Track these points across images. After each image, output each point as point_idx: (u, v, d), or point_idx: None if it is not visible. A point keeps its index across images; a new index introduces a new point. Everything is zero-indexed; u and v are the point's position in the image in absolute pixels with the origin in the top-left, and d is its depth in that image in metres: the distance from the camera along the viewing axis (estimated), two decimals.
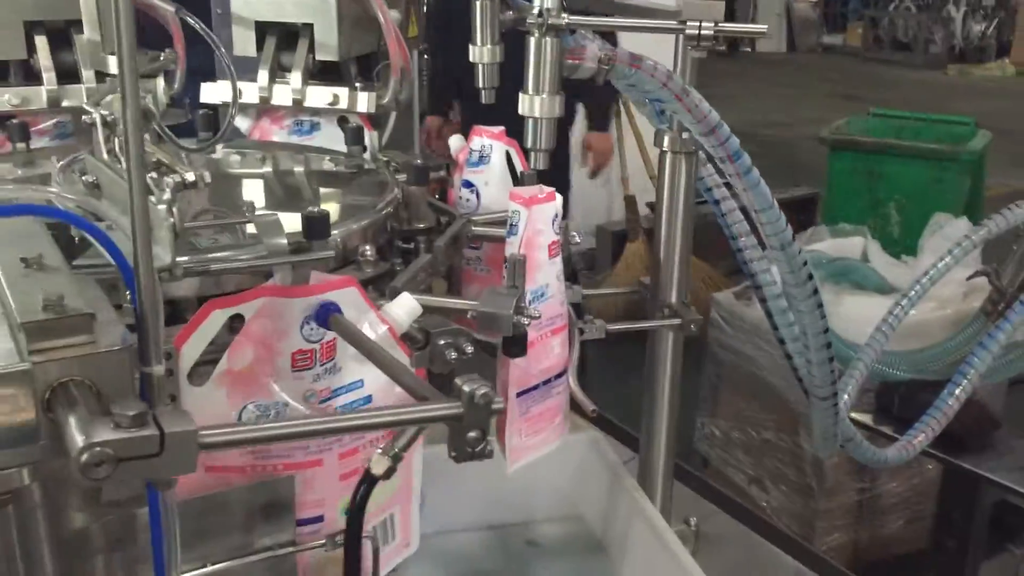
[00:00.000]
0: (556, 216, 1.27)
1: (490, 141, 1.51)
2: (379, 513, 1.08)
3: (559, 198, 1.28)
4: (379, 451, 0.92)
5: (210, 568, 0.96)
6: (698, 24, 1.32)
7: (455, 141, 1.62)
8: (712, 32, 1.32)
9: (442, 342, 1.10)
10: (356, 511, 0.93)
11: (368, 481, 0.92)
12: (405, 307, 1.05)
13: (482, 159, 1.53)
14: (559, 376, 1.36)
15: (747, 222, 1.68)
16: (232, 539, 0.98)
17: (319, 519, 1.02)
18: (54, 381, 0.67)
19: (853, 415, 2.30)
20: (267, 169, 1.67)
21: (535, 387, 1.33)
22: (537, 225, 1.23)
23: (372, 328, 1.00)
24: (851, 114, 5.13)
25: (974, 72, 12.88)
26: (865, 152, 4.39)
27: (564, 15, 1.20)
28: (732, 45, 12.99)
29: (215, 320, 0.90)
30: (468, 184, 1.55)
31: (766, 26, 1.35)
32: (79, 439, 0.62)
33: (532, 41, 1.21)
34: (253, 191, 1.61)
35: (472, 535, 1.75)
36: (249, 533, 0.98)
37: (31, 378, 0.67)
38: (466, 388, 0.81)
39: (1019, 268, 2.41)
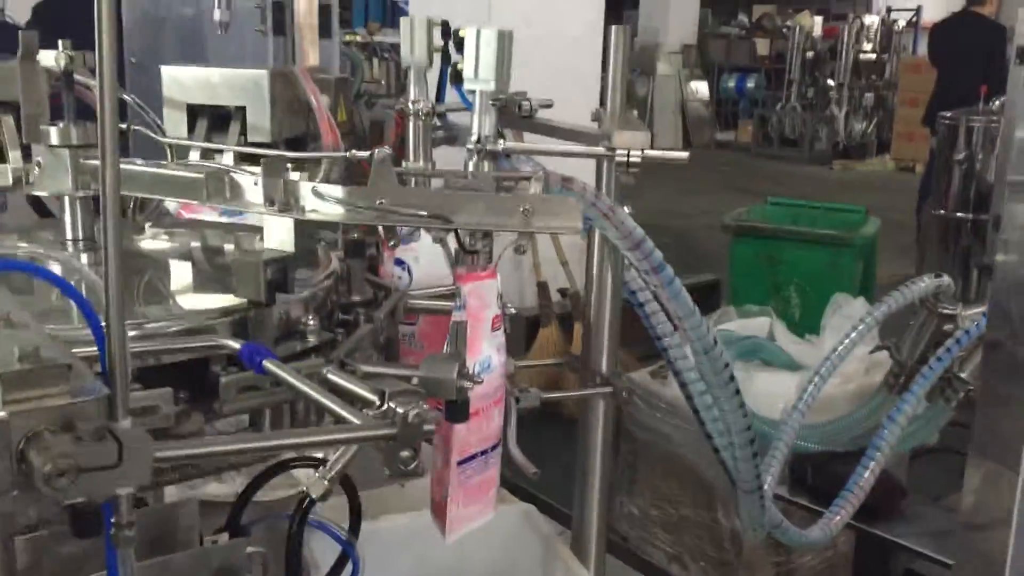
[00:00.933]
0: (498, 293, 1.32)
1: None
2: None
3: (498, 276, 1.33)
4: (317, 474, 0.93)
5: None
6: (626, 152, 1.41)
7: None
8: (639, 159, 1.42)
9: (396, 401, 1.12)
10: (295, 530, 0.94)
11: (307, 503, 0.93)
12: None
13: (410, 235, 1.58)
14: (495, 447, 1.38)
15: (670, 322, 1.76)
16: None
17: None
18: (30, 431, 0.68)
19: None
20: (195, 244, 1.68)
21: (473, 456, 1.35)
22: (480, 300, 1.28)
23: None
24: (748, 204, 5.38)
25: (857, 167, 13.62)
26: (765, 238, 4.60)
27: (501, 141, 1.29)
28: None
29: None
30: (399, 262, 1.59)
31: (687, 153, 1.47)
32: (40, 454, 0.64)
33: (471, 164, 1.29)
34: (181, 271, 1.61)
35: None
36: None
37: (7, 428, 0.67)
38: (400, 409, 0.84)
39: (916, 341, 2.54)
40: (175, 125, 1.78)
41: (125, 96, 1.53)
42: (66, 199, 1.48)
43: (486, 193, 1.24)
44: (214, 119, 1.80)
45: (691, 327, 1.45)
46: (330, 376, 1.14)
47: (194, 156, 1.78)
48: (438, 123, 1.65)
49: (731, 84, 16.74)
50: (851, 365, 3.05)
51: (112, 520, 0.79)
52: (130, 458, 0.70)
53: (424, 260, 1.54)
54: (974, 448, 1.30)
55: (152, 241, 1.64)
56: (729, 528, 3.00)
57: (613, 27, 1.51)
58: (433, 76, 1.80)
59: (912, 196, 7.52)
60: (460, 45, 1.42)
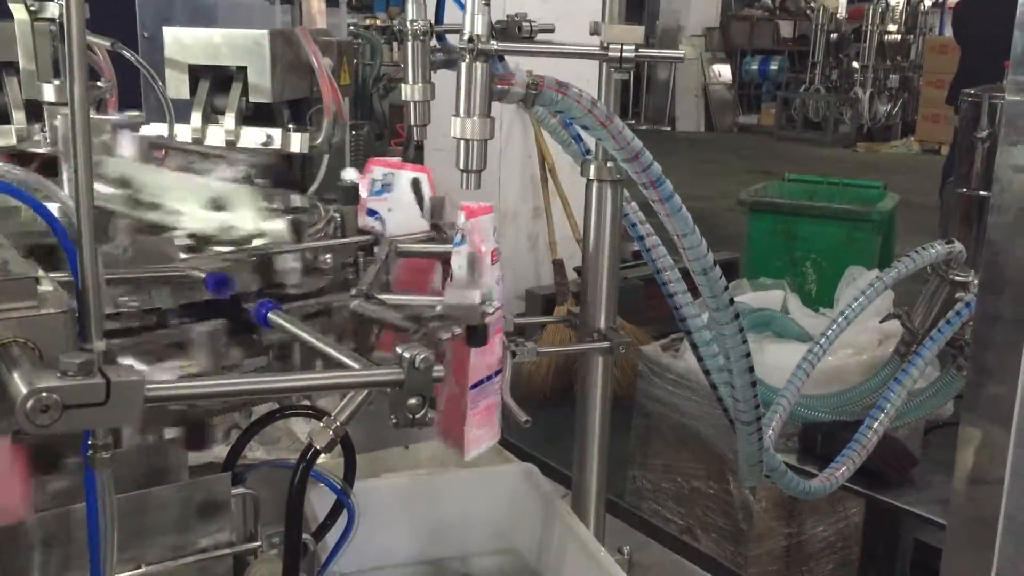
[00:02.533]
0: (495, 227, 1.33)
1: (393, 170, 1.57)
2: None
3: (494, 211, 1.34)
4: (321, 424, 0.93)
5: (146, 568, 0.96)
6: (620, 47, 1.39)
7: (349, 173, 1.66)
8: (633, 55, 1.40)
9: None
10: (299, 481, 0.94)
11: (311, 453, 0.93)
12: None
13: (384, 187, 1.58)
14: (498, 373, 1.40)
15: (671, 258, 1.75)
16: (168, 539, 0.97)
17: None
18: None
19: (779, 456, 2.36)
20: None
21: (482, 382, 1.37)
22: (481, 233, 1.29)
23: None
24: None
25: (881, 149, 13.47)
26: (782, 214, 4.56)
27: (492, 41, 1.26)
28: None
29: None
30: (372, 212, 1.59)
31: (683, 51, 1.44)
32: (23, 387, 0.63)
33: (463, 66, 1.27)
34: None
35: (408, 569, 1.74)
36: (185, 533, 0.98)
37: None
38: (407, 355, 0.83)
39: (929, 309, 2.52)
40: (177, 86, 1.79)
41: (126, 53, 1.54)
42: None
43: None
44: (216, 80, 1.82)
45: (689, 246, 1.43)
46: (361, 306, 1.16)
47: (195, 117, 1.79)
48: (437, 45, 1.63)
49: (754, 67, 16.58)
50: (865, 336, 3.03)
51: (89, 442, 0.80)
52: (118, 396, 0.69)
53: (397, 210, 1.54)
54: (966, 409, 1.29)
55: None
56: (740, 499, 2.99)
57: None
58: None
59: (937, 178, 7.43)
60: None
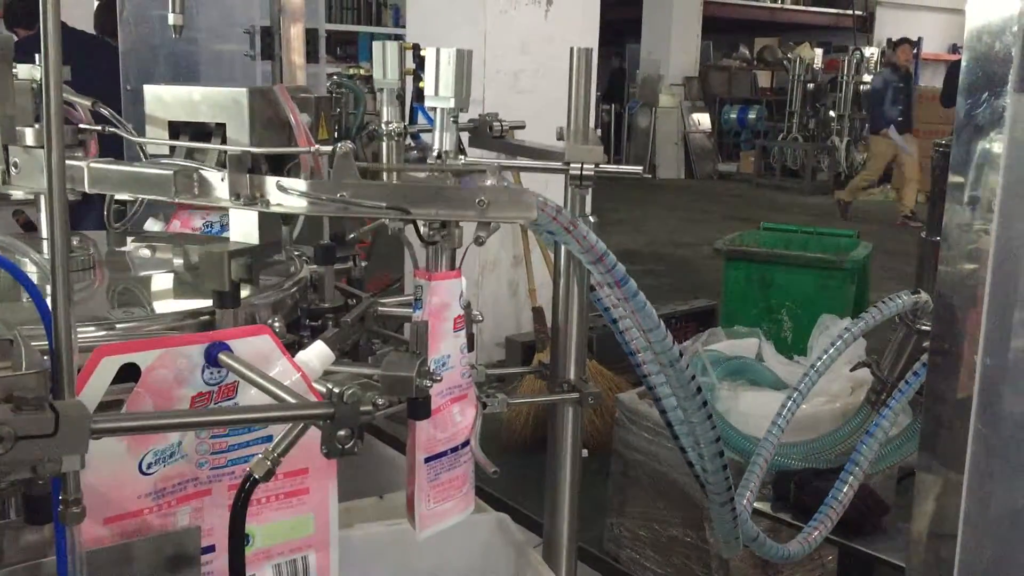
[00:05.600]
0: (461, 293, 1.35)
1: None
2: (288, 552, 1.10)
3: (463, 277, 1.36)
4: (260, 455, 0.95)
5: None
6: (580, 166, 1.46)
7: None
8: (593, 172, 1.46)
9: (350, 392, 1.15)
10: (238, 510, 0.96)
11: (249, 482, 0.95)
12: (318, 353, 1.11)
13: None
14: (464, 445, 1.41)
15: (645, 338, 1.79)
16: None
17: (211, 549, 1.05)
18: None
19: (754, 504, 2.38)
20: (178, 260, 1.72)
21: (442, 454, 1.38)
22: (442, 298, 1.31)
23: (285, 374, 1.06)
24: None
25: (860, 197, 13.67)
26: (758, 262, 4.63)
27: (461, 156, 1.33)
28: None
29: (106, 369, 0.94)
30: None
31: (640, 168, 1.51)
32: None
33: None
34: (162, 280, 1.65)
35: None
36: None
37: None
38: (336, 390, 0.87)
39: (897, 358, 2.57)
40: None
41: (106, 112, 1.58)
42: (42, 198, 1.52)
43: (444, 186, 1.28)
44: (195, 136, 1.85)
45: (656, 340, 1.47)
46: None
47: None
48: (411, 143, 1.69)
49: (733, 115, 16.86)
50: (837, 384, 3.07)
51: (60, 497, 0.82)
52: (67, 427, 0.73)
53: None
54: (922, 452, 1.32)
55: (133, 252, 1.68)
56: (717, 549, 3.01)
57: (575, 48, 1.56)
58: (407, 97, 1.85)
59: (912, 226, 7.54)
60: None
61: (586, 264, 1.45)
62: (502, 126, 1.71)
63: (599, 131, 1.52)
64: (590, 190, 1.59)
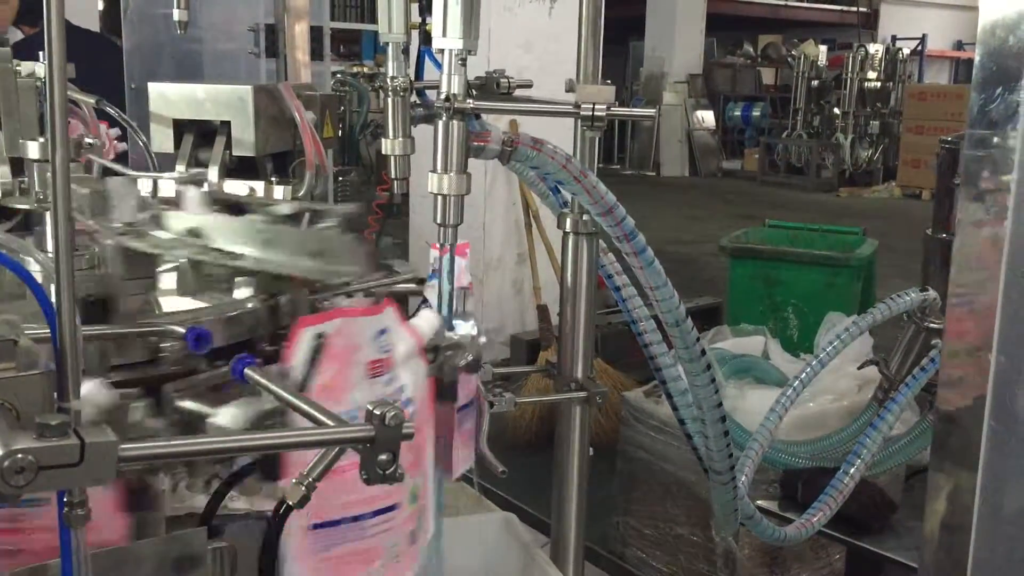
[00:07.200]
0: (383, 332, 1.11)
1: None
2: None
3: (390, 310, 1.14)
4: (294, 480, 0.94)
5: None
6: (592, 106, 1.43)
7: None
8: (605, 113, 1.43)
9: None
10: (272, 537, 0.95)
11: (283, 509, 0.94)
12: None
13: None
14: (377, 513, 1.13)
15: (647, 308, 1.78)
16: None
17: None
18: None
19: (760, 503, 2.37)
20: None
21: (337, 522, 1.10)
22: (349, 339, 1.08)
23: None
24: None
25: (863, 194, 13.64)
26: (763, 260, 4.61)
27: (469, 100, 1.30)
28: None
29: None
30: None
31: (653, 110, 1.48)
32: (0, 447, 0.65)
33: (440, 123, 1.30)
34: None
35: None
36: None
37: None
38: (377, 411, 0.85)
39: (905, 356, 2.55)
40: (161, 140, 1.82)
41: (111, 110, 1.57)
42: (47, 214, 1.51)
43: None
44: (200, 134, 1.84)
45: (662, 298, 1.44)
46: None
47: (180, 169, 1.81)
48: (417, 100, 1.66)
49: (737, 113, 16.82)
50: (844, 382, 3.05)
51: (64, 499, 0.81)
52: (93, 456, 0.70)
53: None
54: (934, 457, 1.31)
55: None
56: (723, 547, 2.99)
57: None
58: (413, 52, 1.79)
59: (917, 222, 7.49)
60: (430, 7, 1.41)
61: (594, 215, 1.42)
62: (509, 83, 1.67)
63: (602, 128, 1.49)
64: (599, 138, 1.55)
